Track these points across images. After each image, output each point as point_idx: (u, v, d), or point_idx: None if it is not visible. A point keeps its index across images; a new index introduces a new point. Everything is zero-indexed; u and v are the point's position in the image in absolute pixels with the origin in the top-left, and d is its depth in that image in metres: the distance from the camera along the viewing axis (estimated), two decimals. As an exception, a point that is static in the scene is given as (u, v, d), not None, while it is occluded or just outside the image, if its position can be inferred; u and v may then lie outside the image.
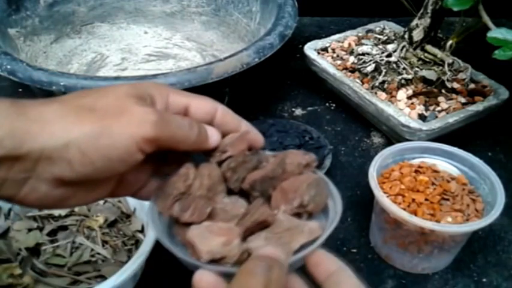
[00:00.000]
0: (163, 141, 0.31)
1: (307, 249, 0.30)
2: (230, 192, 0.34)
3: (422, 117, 0.61)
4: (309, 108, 0.73)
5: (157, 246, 0.44)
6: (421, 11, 0.66)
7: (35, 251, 0.47)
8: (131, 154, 0.30)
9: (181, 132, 0.32)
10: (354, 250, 0.53)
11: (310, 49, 0.72)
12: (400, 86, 0.65)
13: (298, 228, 0.31)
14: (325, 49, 0.74)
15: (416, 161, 0.53)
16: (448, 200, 0.48)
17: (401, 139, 0.60)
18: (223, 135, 0.35)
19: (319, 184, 0.33)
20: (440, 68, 0.66)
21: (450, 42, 0.66)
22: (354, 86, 0.65)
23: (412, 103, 0.63)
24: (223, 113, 0.36)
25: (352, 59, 0.70)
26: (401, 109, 0.62)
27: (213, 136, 0.34)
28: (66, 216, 0.50)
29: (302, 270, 0.31)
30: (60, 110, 0.29)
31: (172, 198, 0.32)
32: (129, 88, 0.32)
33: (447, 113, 0.61)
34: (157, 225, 0.32)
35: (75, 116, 0.29)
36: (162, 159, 0.35)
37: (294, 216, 0.32)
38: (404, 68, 0.66)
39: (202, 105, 0.35)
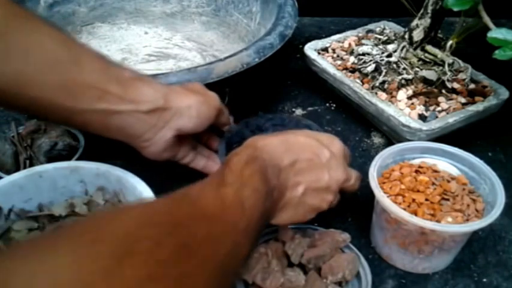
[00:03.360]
0: (221, 112, 0.51)
1: None
2: (290, 264, 0.47)
3: (422, 118, 0.61)
4: (309, 109, 0.73)
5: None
6: (421, 11, 0.66)
7: (35, 251, 0.47)
8: (212, 116, 0.49)
9: (224, 115, 0.52)
10: (354, 250, 0.53)
11: (310, 49, 0.72)
12: (401, 86, 0.65)
13: None
14: (325, 49, 0.74)
15: (416, 161, 0.53)
16: (448, 200, 0.48)
17: (401, 139, 0.60)
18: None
19: (354, 260, 0.47)
20: (441, 68, 0.66)
21: (450, 42, 0.66)
22: (354, 86, 0.65)
23: (413, 103, 0.63)
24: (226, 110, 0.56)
25: (352, 59, 0.70)
26: (401, 109, 0.62)
27: (230, 119, 0.55)
28: (67, 216, 0.50)
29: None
30: (179, 89, 0.48)
31: (256, 270, 0.44)
32: (199, 84, 0.52)
33: (447, 113, 0.61)
34: None
35: (188, 92, 0.48)
36: (198, 139, 0.56)
37: (337, 284, 0.46)
38: (404, 68, 0.66)
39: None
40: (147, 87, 0.46)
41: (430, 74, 0.65)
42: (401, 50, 0.68)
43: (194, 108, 0.47)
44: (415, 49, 0.68)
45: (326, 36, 0.76)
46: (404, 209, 0.46)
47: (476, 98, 0.64)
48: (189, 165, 0.54)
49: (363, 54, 0.70)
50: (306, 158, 0.43)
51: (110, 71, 0.44)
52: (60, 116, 0.44)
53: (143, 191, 0.48)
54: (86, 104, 0.43)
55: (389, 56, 0.68)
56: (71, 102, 0.42)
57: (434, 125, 0.59)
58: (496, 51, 0.51)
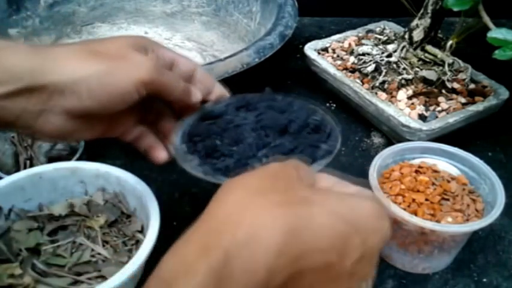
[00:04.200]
0: (156, 86, 0.36)
1: None
2: None
3: (422, 118, 0.61)
4: (309, 109, 0.73)
5: (158, 246, 0.44)
6: (421, 11, 0.66)
7: (35, 251, 0.47)
8: (130, 93, 0.35)
9: (171, 83, 0.37)
10: (354, 250, 0.53)
11: (310, 49, 0.72)
12: (401, 86, 0.65)
13: None
14: (325, 49, 0.74)
15: (416, 161, 0.53)
16: (448, 200, 0.48)
17: (401, 139, 0.60)
18: (201, 92, 0.41)
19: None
20: (441, 68, 0.66)
21: (450, 42, 0.66)
22: (354, 86, 0.65)
23: (412, 103, 0.63)
24: (202, 72, 0.42)
25: (352, 59, 0.70)
26: (401, 109, 0.62)
27: (196, 94, 0.40)
28: (67, 216, 0.50)
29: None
30: (71, 52, 0.35)
31: None
32: (128, 39, 0.38)
33: (447, 113, 0.61)
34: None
35: (84, 57, 0.34)
36: (147, 110, 0.41)
37: None
38: (404, 68, 0.66)
39: (187, 63, 0.41)
40: (11, 59, 0.33)
41: (430, 74, 0.65)
42: (401, 50, 0.68)
43: (85, 84, 0.33)
44: (415, 49, 0.68)
45: (326, 36, 0.76)
46: (404, 209, 0.46)
47: (476, 98, 0.64)
48: (133, 144, 0.42)
49: (363, 54, 0.70)
50: (321, 265, 0.25)
51: None
52: None
53: (143, 191, 0.48)
54: None
55: (389, 56, 0.68)
56: None
57: (434, 125, 0.59)
58: (496, 51, 0.51)
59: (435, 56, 0.67)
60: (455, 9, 0.55)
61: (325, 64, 0.69)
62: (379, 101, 0.63)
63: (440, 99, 0.64)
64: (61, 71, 0.33)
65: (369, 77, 0.67)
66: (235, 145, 0.38)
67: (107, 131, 0.39)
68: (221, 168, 0.37)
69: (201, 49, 0.81)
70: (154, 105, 0.41)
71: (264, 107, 0.42)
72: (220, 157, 0.38)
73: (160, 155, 0.42)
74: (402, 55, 0.68)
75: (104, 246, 0.48)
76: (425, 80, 0.65)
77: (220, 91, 0.43)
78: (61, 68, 0.33)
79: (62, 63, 0.34)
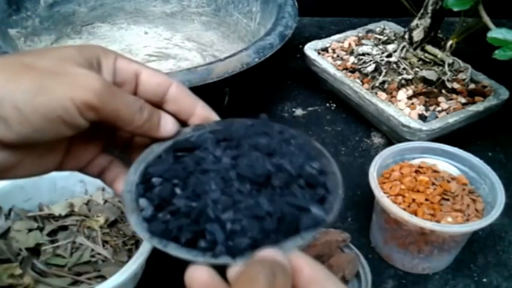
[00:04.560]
0: (107, 113, 0.28)
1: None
2: None
3: (422, 118, 0.61)
4: (309, 109, 0.73)
5: (158, 246, 0.44)
6: (421, 11, 0.66)
7: (35, 251, 0.47)
8: (72, 117, 0.27)
9: (128, 111, 0.29)
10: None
11: (310, 49, 0.72)
12: (401, 86, 0.65)
13: None
14: (325, 49, 0.74)
15: (416, 161, 0.53)
16: (448, 200, 0.48)
17: (401, 139, 0.60)
18: (177, 115, 0.33)
19: (354, 260, 0.46)
20: (441, 68, 0.66)
21: (450, 42, 0.66)
22: (354, 86, 0.65)
23: (412, 103, 0.63)
24: (177, 88, 0.33)
25: (352, 59, 0.70)
26: (401, 109, 0.62)
27: (167, 125, 0.32)
28: (67, 216, 0.50)
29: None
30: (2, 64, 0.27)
31: None
32: (74, 50, 0.30)
33: (447, 113, 0.61)
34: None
35: (12, 72, 0.27)
36: (112, 136, 0.33)
37: None
38: (404, 68, 0.66)
39: (155, 76, 0.32)
40: None
41: (430, 74, 0.65)
42: (401, 50, 0.68)
43: (12, 103, 0.26)
44: (415, 49, 0.68)
45: (326, 36, 0.76)
46: (404, 209, 0.46)
47: (476, 98, 0.64)
48: (101, 178, 0.34)
49: (363, 54, 0.70)
50: None
51: None
52: None
53: (143, 191, 0.48)
54: None
55: (389, 56, 0.68)
56: None
57: (434, 125, 0.59)
58: (496, 51, 0.51)
59: (435, 56, 0.67)
60: (455, 9, 0.55)
61: (325, 64, 0.69)
62: (379, 101, 0.63)
63: (440, 99, 0.64)
64: None
65: (369, 77, 0.67)
66: (196, 200, 0.28)
67: (62, 164, 0.32)
68: (171, 230, 0.28)
69: (201, 49, 0.81)
70: (118, 133, 0.34)
71: (248, 145, 0.31)
72: (175, 213, 0.28)
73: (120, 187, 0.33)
74: (402, 55, 0.68)
75: (103, 246, 0.48)
76: (425, 80, 0.65)
77: (204, 113, 0.33)
78: None
79: None
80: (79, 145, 0.32)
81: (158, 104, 0.32)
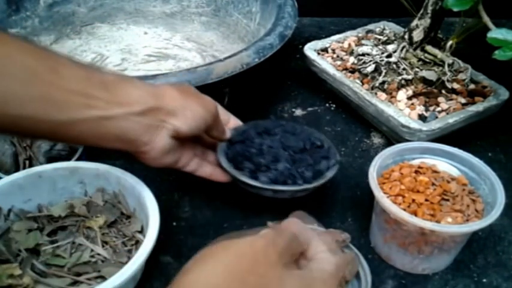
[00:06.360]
0: (216, 122, 0.49)
1: None
2: None
3: (422, 118, 0.61)
4: (309, 109, 0.73)
5: (157, 246, 0.44)
6: (421, 12, 0.66)
7: (34, 251, 0.47)
8: (208, 120, 0.47)
9: (221, 121, 0.50)
10: (354, 250, 0.53)
11: (310, 49, 0.72)
12: (400, 86, 0.65)
13: None
14: (325, 49, 0.74)
15: (416, 162, 0.53)
16: (448, 200, 0.48)
17: (401, 140, 0.60)
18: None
19: (354, 260, 0.45)
20: (441, 68, 0.66)
21: (450, 42, 0.66)
22: (354, 87, 0.65)
23: (412, 104, 0.63)
24: (222, 110, 0.52)
25: (352, 59, 0.70)
26: (401, 110, 0.62)
27: (228, 132, 0.53)
28: (66, 216, 0.50)
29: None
30: (171, 89, 0.46)
31: None
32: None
33: (447, 114, 0.61)
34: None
35: (184, 94, 0.46)
36: (195, 146, 0.53)
37: None
38: (404, 69, 0.66)
39: (220, 107, 0.52)
40: (134, 88, 0.43)
41: (430, 74, 0.65)
42: (401, 50, 0.68)
43: (189, 110, 0.45)
44: (415, 49, 0.68)
45: (326, 37, 0.76)
46: (404, 210, 0.46)
47: (476, 98, 0.64)
48: (194, 173, 0.51)
49: (363, 55, 0.70)
50: None
51: (92, 76, 0.41)
52: (49, 131, 0.39)
53: (142, 191, 0.48)
54: (73, 113, 0.39)
55: (389, 56, 0.68)
56: (56, 114, 0.38)
57: (434, 125, 0.59)
58: (496, 52, 0.51)
59: (435, 56, 0.67)
60: (455, 9, 0.55)
61: (325, 64, 0.69)
62: (378, 102, 0.63)
63: (440, 99, 0.64)
64: (171, 99, 0.44)
65: (369, 78, 0.67)
66: (276, 162, 0.50)
67: (176, 162, 0.49)
68: (271, 178, 0.49)
69: (201, 49, 0.81)
70: (201, 140, 0.53)
71: (281, 131, 0.54)
72: (266, 171, 0.49)
73: (222, 178, 0.52)
74: (402, 55, 0.68)
75: (103, 246, 0.48)
76: (425, 80, 0.65)
77: (235, 121, 0.55)
78: (171, 97, 0.45)
79: (171, 95, 0.45)
80: (184, 150, 0.49)
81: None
